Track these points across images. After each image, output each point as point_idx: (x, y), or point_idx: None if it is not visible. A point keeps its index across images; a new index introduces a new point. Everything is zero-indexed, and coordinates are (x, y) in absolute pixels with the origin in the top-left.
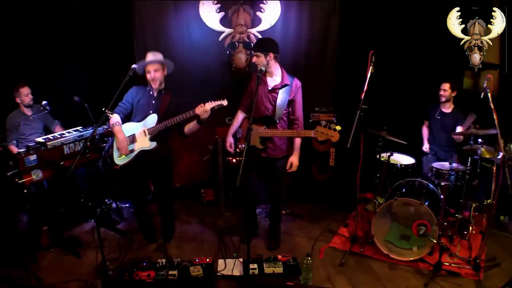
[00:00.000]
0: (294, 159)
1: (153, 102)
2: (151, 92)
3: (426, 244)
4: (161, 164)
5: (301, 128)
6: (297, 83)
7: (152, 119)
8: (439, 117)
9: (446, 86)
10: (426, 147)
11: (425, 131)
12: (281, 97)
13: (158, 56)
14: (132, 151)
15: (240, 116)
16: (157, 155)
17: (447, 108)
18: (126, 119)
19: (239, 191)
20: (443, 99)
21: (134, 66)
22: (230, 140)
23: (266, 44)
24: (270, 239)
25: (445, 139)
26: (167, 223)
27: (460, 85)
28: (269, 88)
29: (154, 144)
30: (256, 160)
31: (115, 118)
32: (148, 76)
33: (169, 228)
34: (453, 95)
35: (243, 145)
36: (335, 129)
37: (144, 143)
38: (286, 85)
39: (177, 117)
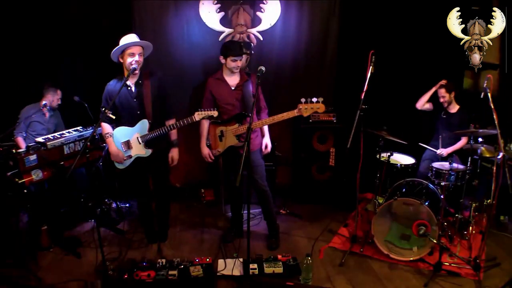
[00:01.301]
0: (267, 140)
1: (135, 101)
2: (129, 88)
3: (426, 244)
4: (160, 161)
5: (267, 114)
6: (252, 76)
7: (144, 126)
8: (444, 116)
9: (442, 92)
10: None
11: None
12: (246, 91)
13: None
14: (129, 156)
15: (205, 124)
16: (156, 153)
17: (452, 109)
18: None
19: (236, 191)
20: (446, 104)
21: (133, 66)
22: (207, 151)
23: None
24: (269, 239)
25: (448, 137)
26: (163, 221)
27: (460, 84)
28: (232, 88)
29: (149, 151)
30: (237, 159)
31: (105, 128)
32: (131, 61)
33: (164, 226)
34: (452, 96)
35: (219, 149)
36: (317, 101)
37: (139, 151)
38: (246, 80)
39: (172, 125)
